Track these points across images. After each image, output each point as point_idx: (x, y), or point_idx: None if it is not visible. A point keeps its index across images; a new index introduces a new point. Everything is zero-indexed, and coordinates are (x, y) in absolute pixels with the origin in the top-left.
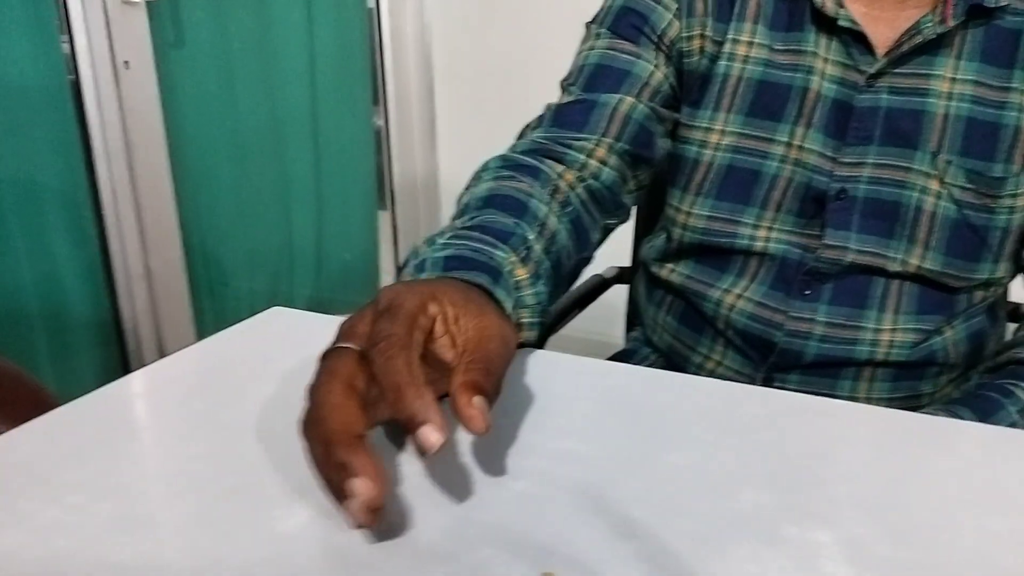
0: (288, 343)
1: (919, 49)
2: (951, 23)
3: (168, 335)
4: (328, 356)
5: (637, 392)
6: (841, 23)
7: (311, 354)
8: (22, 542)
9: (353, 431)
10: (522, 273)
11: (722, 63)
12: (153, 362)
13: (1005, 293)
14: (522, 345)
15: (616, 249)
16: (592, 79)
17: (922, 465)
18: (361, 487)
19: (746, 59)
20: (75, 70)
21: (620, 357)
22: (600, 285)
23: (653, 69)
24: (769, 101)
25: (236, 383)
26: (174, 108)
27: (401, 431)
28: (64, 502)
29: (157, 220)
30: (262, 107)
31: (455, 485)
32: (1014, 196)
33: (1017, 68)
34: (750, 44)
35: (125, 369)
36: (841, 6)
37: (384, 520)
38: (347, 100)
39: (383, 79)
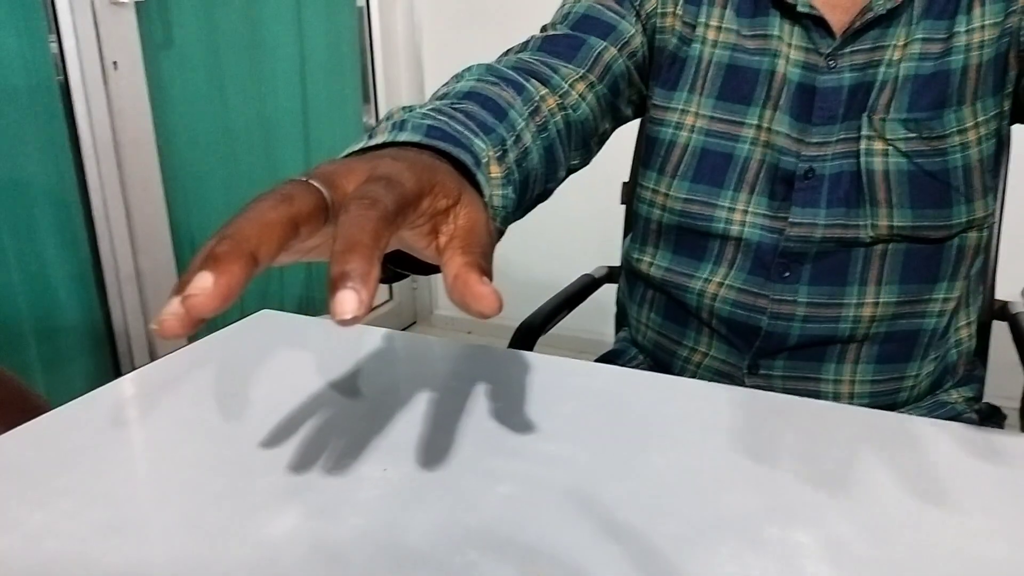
0: (277, 346)
1: (871, 24)
2: None
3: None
4: (293, 184)
5: (622, 394)
6: (800, 9)
7: (300, 357)
8: (12, 547)
9: (258, 251)
10: (496, 171)
11: (695, 46)
12: (143, 364)
13: (986, 261)
14: None
15: (605, 248)
16: (579, 24)
17: (902, 465)
18: (204, 283)
19: (715, 43)
20: (64, 71)
21: (608, 358)
22: (590, 284)
23: (634, 32)
24: (738, 85)
25: (225, 386)
26: (163, 108)
27: (377, 429)
28: (54, 507)
29: (147, 221)
30: (252, 106)
31: (441, 488)
32: (962, 132)
33: (960, 13)
34: (719, 29)
35: (116, 370)
36: None
37: (371, 522)
38: (337, 98)
39: (373, 77)
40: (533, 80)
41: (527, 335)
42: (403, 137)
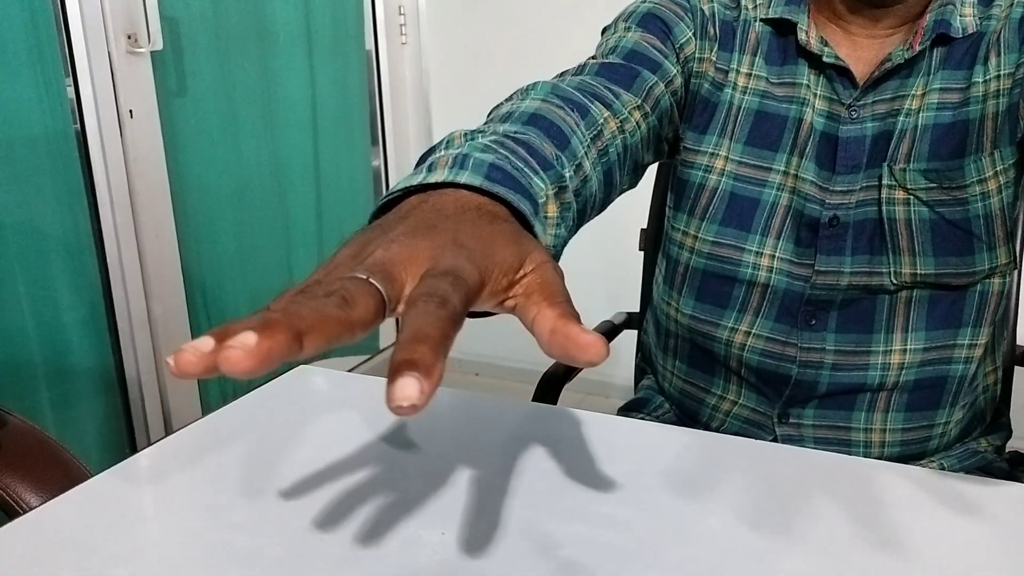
0: (318, 404)
1: (890, 75)
2: (918, 49)
3: (170, 382)
4: (355, 284)
5: (671, 452)
6: (825, 59)
7: (342, 415)
8: None
9: (306, 336)
10: (552, 210)
11: (726, 91)
12: (154, 410)
13: (1008, 307)
14: None
15: (622, 294)
16: (631, 57)
17: (958, 527)
18: (247, 339)
19: (746, 89)
20: (80, 119)
21: (633, 406)
22: (610, 331)
23: (675, 73)
24: (767, 131)
25: (270, 446)
26: (177, 156)
27: (431, 491)
28: (112, 575)
29: (160, 267)
30: (264, 153)
31: (502, 552)
32: (981, 181)
33: (978, 64)
34: (749, 75)
35: (127, 416)
36: (826, 44)
37: None
38: (346, 142)
39: (382, 120)
40: (597, 103)
41: (552, 385)
42: (463, 178)
